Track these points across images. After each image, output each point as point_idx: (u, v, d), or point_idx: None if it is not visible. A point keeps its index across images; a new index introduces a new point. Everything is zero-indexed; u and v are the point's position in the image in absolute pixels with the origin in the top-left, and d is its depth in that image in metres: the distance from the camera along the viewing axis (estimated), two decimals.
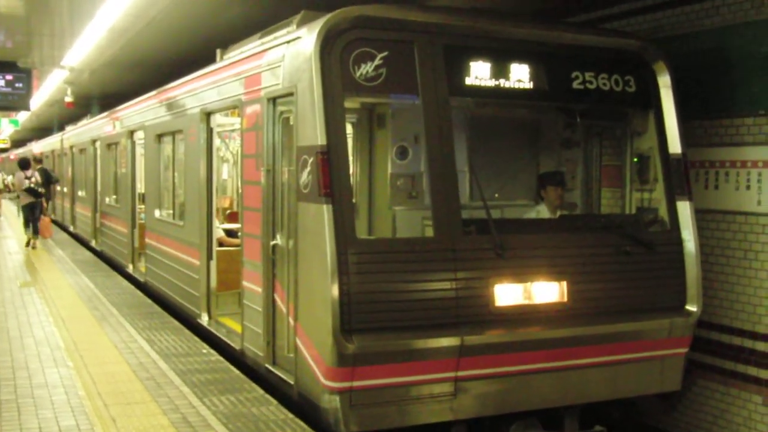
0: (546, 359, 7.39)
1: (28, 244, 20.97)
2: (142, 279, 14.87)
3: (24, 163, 21.88)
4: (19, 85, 23.79)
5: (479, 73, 7.53)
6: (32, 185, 21.33)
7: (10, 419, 6.94)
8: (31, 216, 21.19)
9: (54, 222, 26.57)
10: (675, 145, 8.15)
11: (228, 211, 15.80)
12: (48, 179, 23.94)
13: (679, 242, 8.04)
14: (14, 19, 16.02)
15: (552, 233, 7.91)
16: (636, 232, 8.01)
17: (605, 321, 7.63)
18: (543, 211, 8.80)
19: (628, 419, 9.08)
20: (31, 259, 18.40)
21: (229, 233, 12.75)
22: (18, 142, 60.80)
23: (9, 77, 23.63)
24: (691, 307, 7.98)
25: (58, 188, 28.42)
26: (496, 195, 9.53)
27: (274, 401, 7.59)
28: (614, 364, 7.76)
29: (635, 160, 8.58)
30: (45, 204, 22.22)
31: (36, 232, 21.19)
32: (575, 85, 7.97)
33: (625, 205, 8.82)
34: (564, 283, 7.51)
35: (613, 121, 8.87)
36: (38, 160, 27.60)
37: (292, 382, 7.51)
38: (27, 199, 21.27)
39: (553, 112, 9.23)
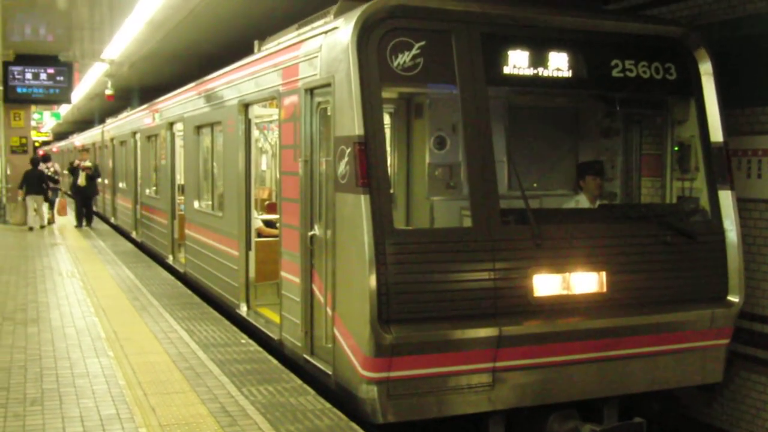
0: (585, 350, 7.33)
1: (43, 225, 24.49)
2: (181, 270, 14.98)
3: (45, 158, 27.67)
4: (60, 78, 24.23)
5: (517, 61, 7.46)
6: (51, 174, 25.43)
7: (53, 408, 7.02)
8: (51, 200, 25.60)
9: (95, 214, 27.03)
10: (716, 134, 8.03)
11: (266, 202, 15.86)
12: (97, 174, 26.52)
13: (720, 232, 7.93)
14: (55, 13, 16.23)
15: (591, 223, 7.83)
16: (676, 221, 7.90)
17: (645, 312, 7.55)
18: (582, 201, 8.73)
19: (668, 411, 8.98)
20: (72, 249, 18.63)
21: (268, 224, 12.81)
22: (60, 135, 61.53)
23: (51, 71, 24.05)
24: (733, 298, 7.87)
25: (99, 180, 28.84)
26: (535, 185, 9.47)
27: (312, 391, 7.60)
28: (654, 355, 7.69)
29: (676, 148, 8.47)
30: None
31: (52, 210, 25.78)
32: (615, 73, 7.87)
33: (666, 194, 8.72)
34: (603, 274, 7.44)
35: (654, 109, 8.77)
36: (86, 150, 28.87)
37: (330, 372, 7.52)
38: None
39: (592, 100, 9.14)
